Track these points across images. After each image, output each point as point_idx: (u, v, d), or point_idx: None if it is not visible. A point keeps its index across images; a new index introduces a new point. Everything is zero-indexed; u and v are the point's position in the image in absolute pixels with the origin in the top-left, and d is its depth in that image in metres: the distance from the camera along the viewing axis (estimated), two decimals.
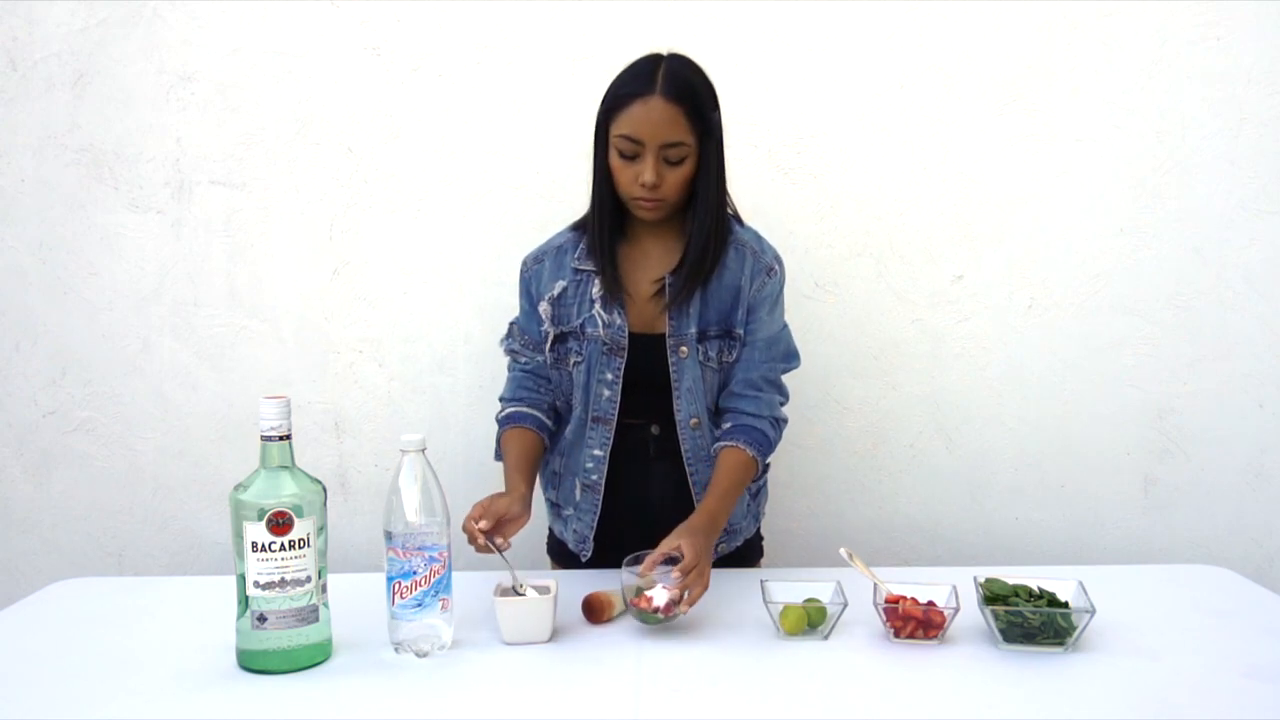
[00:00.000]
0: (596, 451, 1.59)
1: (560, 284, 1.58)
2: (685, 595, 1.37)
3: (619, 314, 1.55)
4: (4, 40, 1.93)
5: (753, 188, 1.90)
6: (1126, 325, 2.01)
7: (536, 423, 1.61)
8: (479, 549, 1.42)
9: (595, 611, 1.44)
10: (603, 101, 1.49)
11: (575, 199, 1.88)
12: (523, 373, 1.66)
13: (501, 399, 1.68)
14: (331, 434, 2.04)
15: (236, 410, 2.03)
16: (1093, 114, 1.95)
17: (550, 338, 1.59)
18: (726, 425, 1.58)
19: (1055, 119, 1.95)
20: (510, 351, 1.67)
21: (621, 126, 1.45)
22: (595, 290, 1.56)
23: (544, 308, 1.59)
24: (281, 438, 1.29)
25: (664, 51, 1.49)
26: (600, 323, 1.55)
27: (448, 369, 2.03)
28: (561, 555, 1.74)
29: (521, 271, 1.64)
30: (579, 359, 1.57)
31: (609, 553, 1.62)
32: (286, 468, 1.30)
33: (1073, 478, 2.06)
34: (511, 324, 1.68)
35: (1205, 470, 2.05)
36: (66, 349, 2.02)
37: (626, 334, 1.55)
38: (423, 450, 1.34)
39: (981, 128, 1.96)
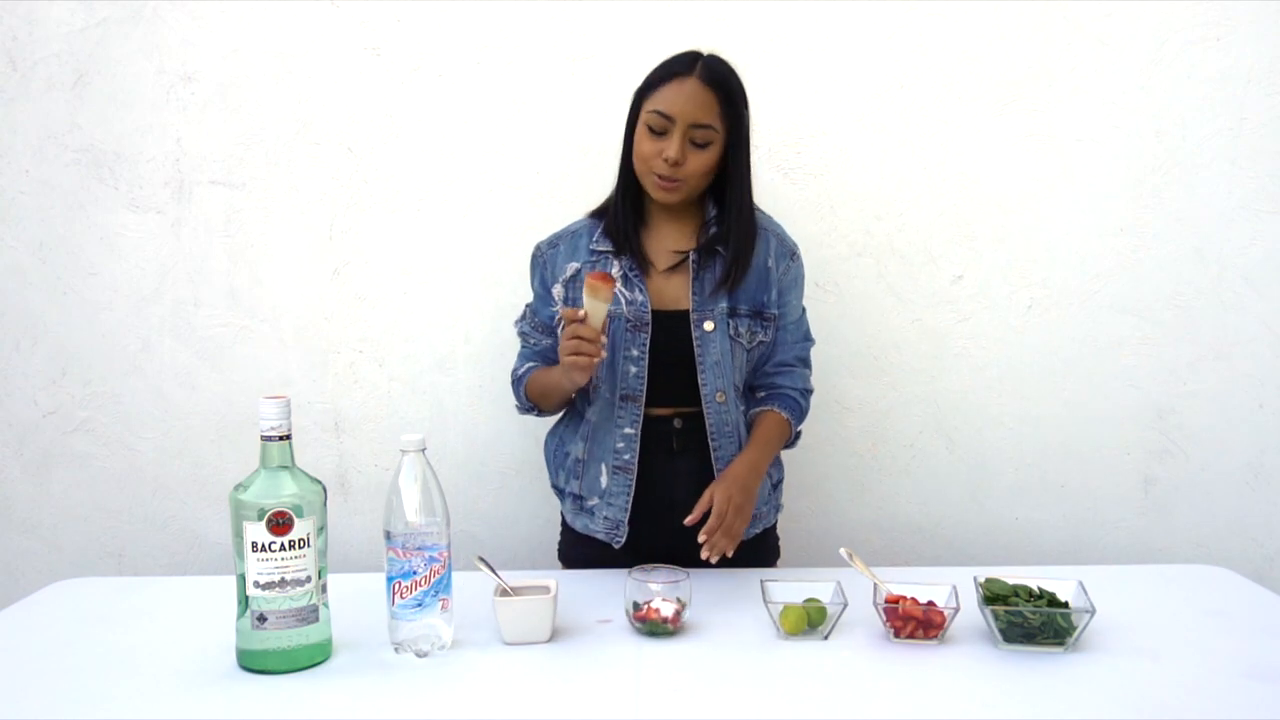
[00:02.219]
0: (628, 430, 1.59)
1: (574, 266, 1.62)
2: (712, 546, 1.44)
3: (639, 290, 1.58)
4: (4, 40, 1.93)
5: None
6: (1126, 325, 2.01)
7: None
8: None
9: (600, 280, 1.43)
10: (640, 85, 1.55)
11: (575, 199, 1.89)
12: (533, 352, 1.70)
13: (514, 371, 1.72)
14: (331, 434, 2.04)
15: (236, 410, 2.03)
16: (1093, 114, 1.95)
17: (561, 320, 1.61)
18: (761, 395, 1.65)
19: (1055, 119, 1.95)
20: (522, 334, 1.72)
21: (655, 103, 1.51)
22: (615, 270, 1.59)
23: (558, 290, 1.63)
24: (281, 438, 1.29)
25: (704, 50, 1.55)
26: (622, 300, 1.58)
27: (448, 369, 2.03)
28: (576, 560, 1.72)
29: (534, 256, 1.68)
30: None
31: (632, 552, 1.59)
32: (286, 468, 1.30)
33: (1073, 478, 2.06)
34: (527, 306, 1.72)
35: (1205, 470, 2.05)
36: (66, 349, 2.02)
37: (649, 310, 1.57)
38: (423, 450, 1.34)
39: (981, 128, 1.96)
